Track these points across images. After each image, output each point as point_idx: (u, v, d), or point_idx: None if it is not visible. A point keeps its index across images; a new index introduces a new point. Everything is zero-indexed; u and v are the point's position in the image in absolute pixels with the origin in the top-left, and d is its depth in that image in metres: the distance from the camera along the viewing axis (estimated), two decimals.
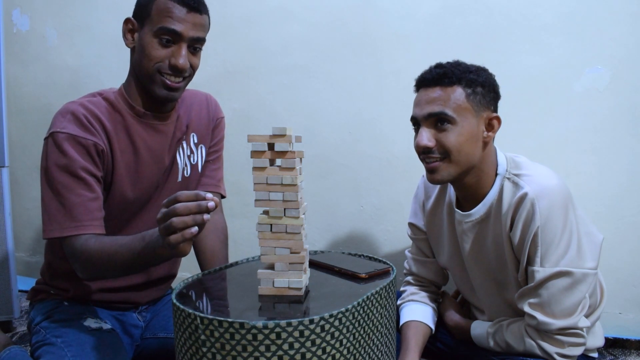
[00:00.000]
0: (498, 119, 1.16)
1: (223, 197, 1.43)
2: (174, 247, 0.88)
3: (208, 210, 0.86)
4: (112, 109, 1.20)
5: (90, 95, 1.22)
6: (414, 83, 1.19)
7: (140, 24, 1.18)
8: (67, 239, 1.10)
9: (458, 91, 1.12)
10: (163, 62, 1.15)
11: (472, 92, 1.12)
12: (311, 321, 0.81)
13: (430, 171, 1.15)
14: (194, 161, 1.35)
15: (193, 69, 1.21)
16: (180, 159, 1.31)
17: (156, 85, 1.17)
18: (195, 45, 1.19)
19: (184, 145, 1.32)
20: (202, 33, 1.18)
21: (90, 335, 1.19)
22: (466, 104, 1.12)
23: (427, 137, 1.13)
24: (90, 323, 1.23)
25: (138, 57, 1.18)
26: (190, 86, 1.35)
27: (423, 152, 1.15)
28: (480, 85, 1.13)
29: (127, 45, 1.21)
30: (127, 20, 1.20)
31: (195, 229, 0.87)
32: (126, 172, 1.21)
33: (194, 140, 1.34)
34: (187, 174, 1.33)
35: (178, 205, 0.86)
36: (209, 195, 0.87)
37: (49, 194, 1.12)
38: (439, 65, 1.17)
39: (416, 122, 1.17)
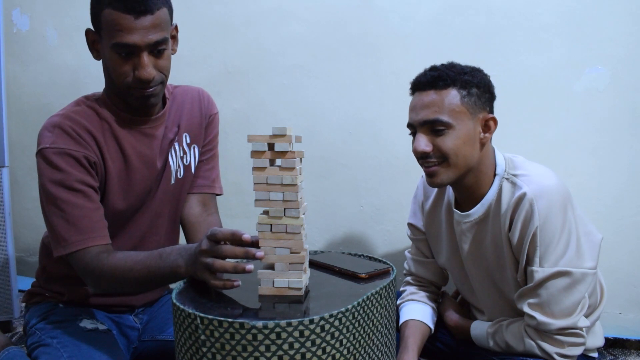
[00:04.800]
0: (494, 119, 1.16)
1: (218, 195, 1.38)
2: (207, 281, 0.96)
3: (254, 258, 0.93)
4: (98, 117, 1.15)
5: (74, 104, 1.17)
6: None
7: (99, 36, 1.10)
8: (75, 253, 1.08)
9: (452, 94, 1.12)
10: (128, 76, 1.08)
11: (467, 94, 1.12)
12: (311, 321, 0.81)
13: (430, 175, 1.16)
14: (187, 162, 1.29)
15: (163, 72, 1.12)
16: (172, 161, 1.25)
17: (131, 98, 1.12)
18: (158, 48, 1.08)
19: (176, 146, 1.26)
20: (160, 34, 1.06)
21: (86, 335, 1.18)
22: (461, 106, 1.12)
23: (424, 142, 1.13)
24: (86, 324, 1.22)
25: (106, 71, 1.14)
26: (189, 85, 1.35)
27: (421, 157, 1.15)
28: (475, 86, 1.13)
29: (94, 58, 1.14)
30: (87, 32, 1.12)
31: (239, 282, 0.95)
32: (118, 182, 1.17)
33: (186, 141, 1.28)
34: (180, 175, 1.28)
35: (225, 247, 0.93)
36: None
37: (51, 211, 1.09)
38: (433, 68, 1.16)
39: (413, 127, 1.17)
